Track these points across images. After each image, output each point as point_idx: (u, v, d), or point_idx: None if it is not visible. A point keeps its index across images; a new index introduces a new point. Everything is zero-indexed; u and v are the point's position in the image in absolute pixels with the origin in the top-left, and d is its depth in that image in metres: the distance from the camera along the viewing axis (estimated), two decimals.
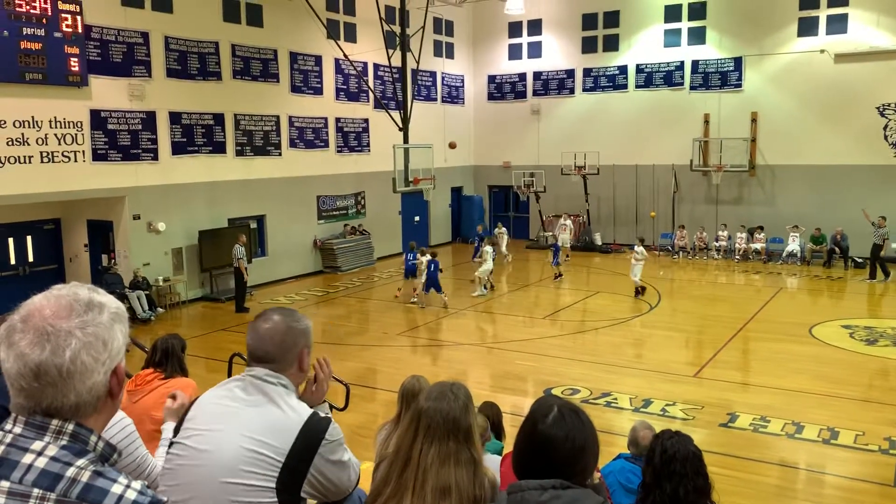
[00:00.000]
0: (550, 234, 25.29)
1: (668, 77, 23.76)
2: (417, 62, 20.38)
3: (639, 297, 16.68)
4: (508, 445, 4.82)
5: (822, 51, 21.31)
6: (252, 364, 2.44)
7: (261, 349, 2.42)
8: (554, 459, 2.13)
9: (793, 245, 21.29)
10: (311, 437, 2.29)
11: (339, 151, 21.58)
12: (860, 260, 20.03)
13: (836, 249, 20.58)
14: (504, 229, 23.16)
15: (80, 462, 1.40)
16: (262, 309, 2.57)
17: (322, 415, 2.41)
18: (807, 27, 21.53)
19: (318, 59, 20.56)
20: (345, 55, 19.96)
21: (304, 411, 2.35)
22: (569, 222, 23.41)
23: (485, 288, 17.48)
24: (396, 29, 20.00)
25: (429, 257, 16.32)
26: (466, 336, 14.39)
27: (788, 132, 21.99)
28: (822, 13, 21.28)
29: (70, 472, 1.37)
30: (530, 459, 2.19)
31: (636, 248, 17.20)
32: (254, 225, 19.00)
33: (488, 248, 17.71)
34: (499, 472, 3.84)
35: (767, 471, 8.00)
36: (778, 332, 13.65)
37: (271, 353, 2.41)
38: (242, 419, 2.30)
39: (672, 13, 23.43)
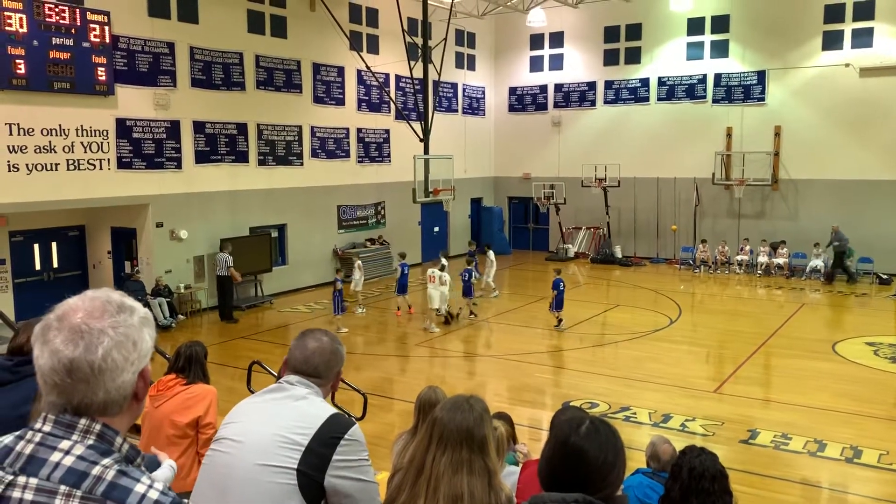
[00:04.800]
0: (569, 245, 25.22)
1: (691, 90, 23.65)
2: (439, 73, 20.45)
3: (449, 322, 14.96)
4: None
5: (847, 65, 21.10)
6: (289, 375, 2.59)
7: (309, 365, 2.58)
8: (585, 472, 2.10)
9: (816, 261, 21.02)
10: (333, 429, 2.41)
11: (359, 162, 21.70)
12: (885, 276, 19.74)
13: None
14: (491, 252, 19.01)
15: (106, 461, 1.45)
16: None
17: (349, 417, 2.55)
18: (831, 41, 21.34)
19: (340, 70, 20.72)
20: (367, 66, 20.09)
21: (331, 409, 2.51)
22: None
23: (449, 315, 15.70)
24: (418, 41, 20.10)
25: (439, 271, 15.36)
26: (484, 348, 14.36)
27: (812, 146, 21.77)
28: (848, 27, 21.10)
29: (96, 470, 1.42)
30: (559, 470, 2.14)
31: (438, 273, 15.20)
32: (275, 234, 19.14)
33: (445, 275, 15.42)
34: (515, 485, 3.82)
35: (789, 489, 7.88)
36: (800, 349, 13.48)
37: (319, 369, 2.58)
38: (272, 412, 2.49)
39: (695, 26, 23.34)
